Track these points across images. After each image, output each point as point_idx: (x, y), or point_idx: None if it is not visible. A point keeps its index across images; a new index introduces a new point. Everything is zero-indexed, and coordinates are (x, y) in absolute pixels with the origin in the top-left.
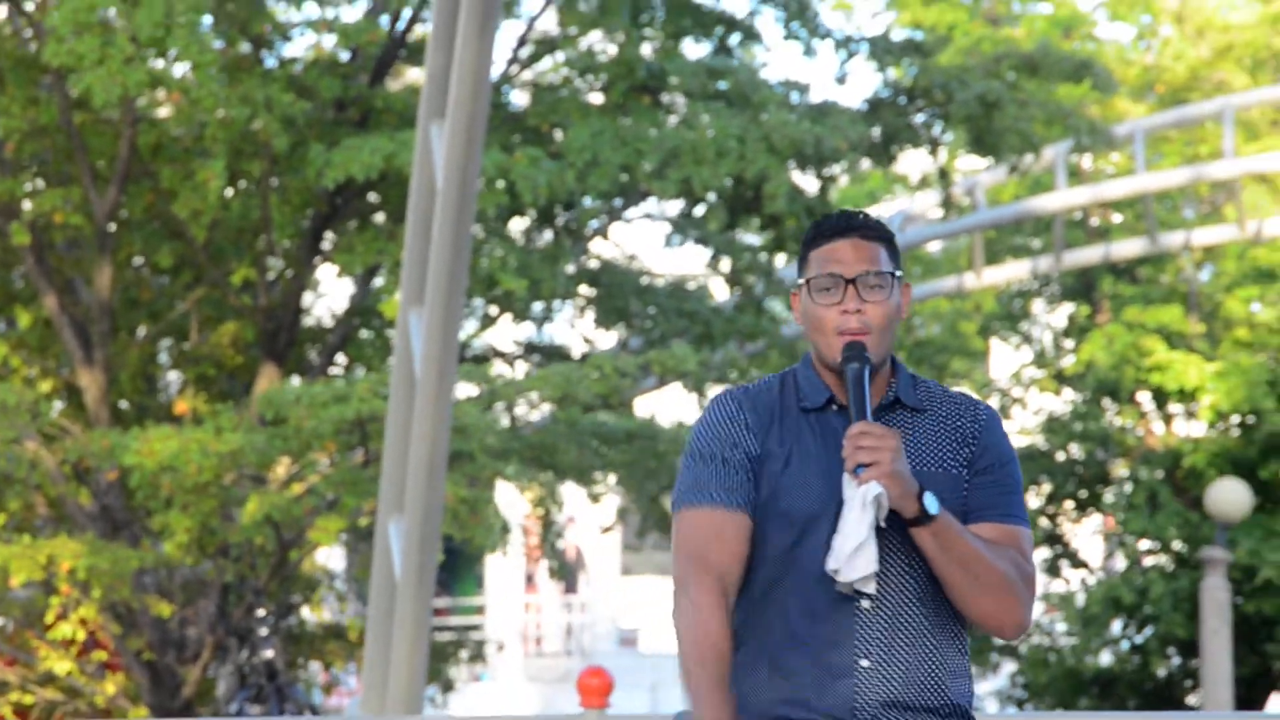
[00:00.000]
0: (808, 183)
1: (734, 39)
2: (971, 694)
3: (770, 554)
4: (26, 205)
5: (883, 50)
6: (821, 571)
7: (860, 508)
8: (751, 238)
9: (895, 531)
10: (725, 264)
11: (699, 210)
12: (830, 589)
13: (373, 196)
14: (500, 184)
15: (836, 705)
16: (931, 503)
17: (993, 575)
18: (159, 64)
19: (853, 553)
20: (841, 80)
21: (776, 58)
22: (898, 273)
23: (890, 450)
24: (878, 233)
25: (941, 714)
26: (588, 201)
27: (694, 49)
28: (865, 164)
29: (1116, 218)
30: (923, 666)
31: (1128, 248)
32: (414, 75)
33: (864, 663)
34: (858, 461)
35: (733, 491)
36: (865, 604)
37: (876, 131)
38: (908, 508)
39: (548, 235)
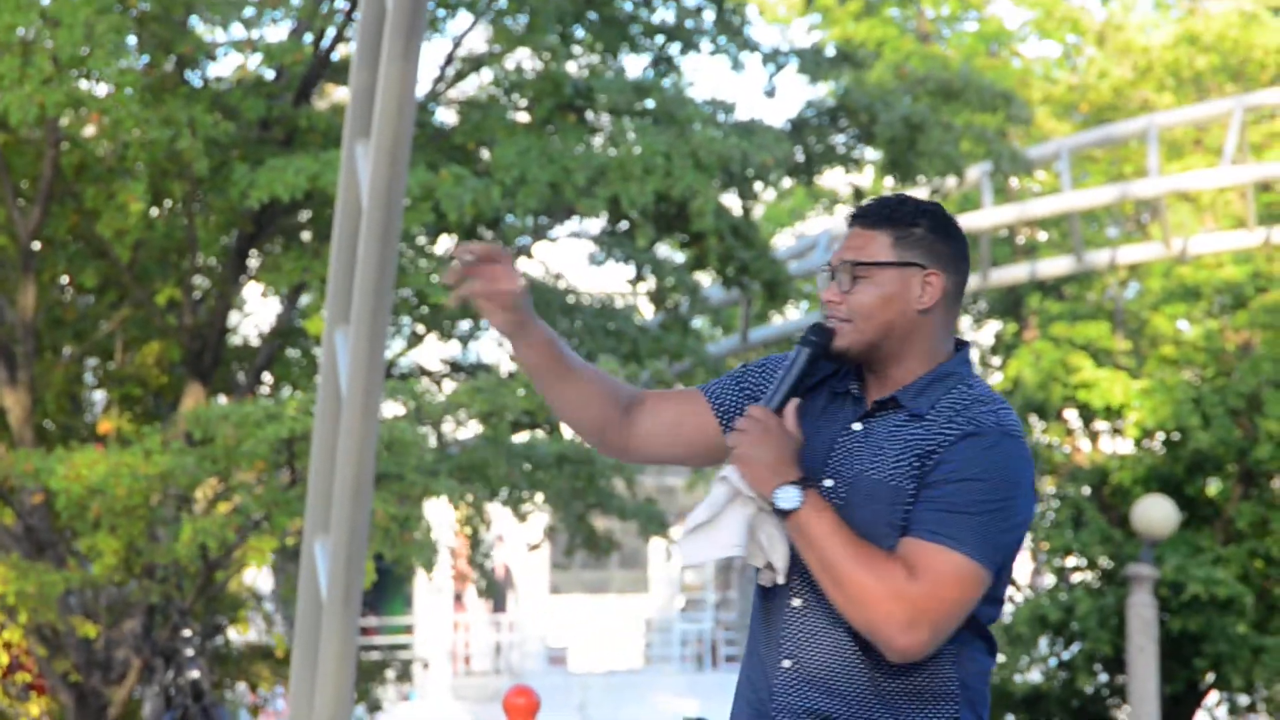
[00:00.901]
0: (732, 201)
1: (674, 48)
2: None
3: None
4: None
5: (813, 63)
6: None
7: (721, 485)
8: (677, 255)
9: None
10: (650, 283)
11: (624, 227)
12: (798, 585)
13: (300, 215)
14: (427, 203)
15: (763, 707)
16: (784, 497)
17: (855, 586)
18: (82, 84)
19: (690, 532)
20: (770, 94)
21: (703, 76)
22: (904, 263)
23: (752, 435)
24: (888, 219)
25: None
26: (513, 220)
27: (629, 61)
28: (788, 182)
29: (1043, 236)
30: (847, 676)
31: (1054, 265)
32: (340, 94)
33: (785, 663)
34: (730, 441)
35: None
36: (796, 602)
37: (799, 151)
38: (762, 492)
39: None
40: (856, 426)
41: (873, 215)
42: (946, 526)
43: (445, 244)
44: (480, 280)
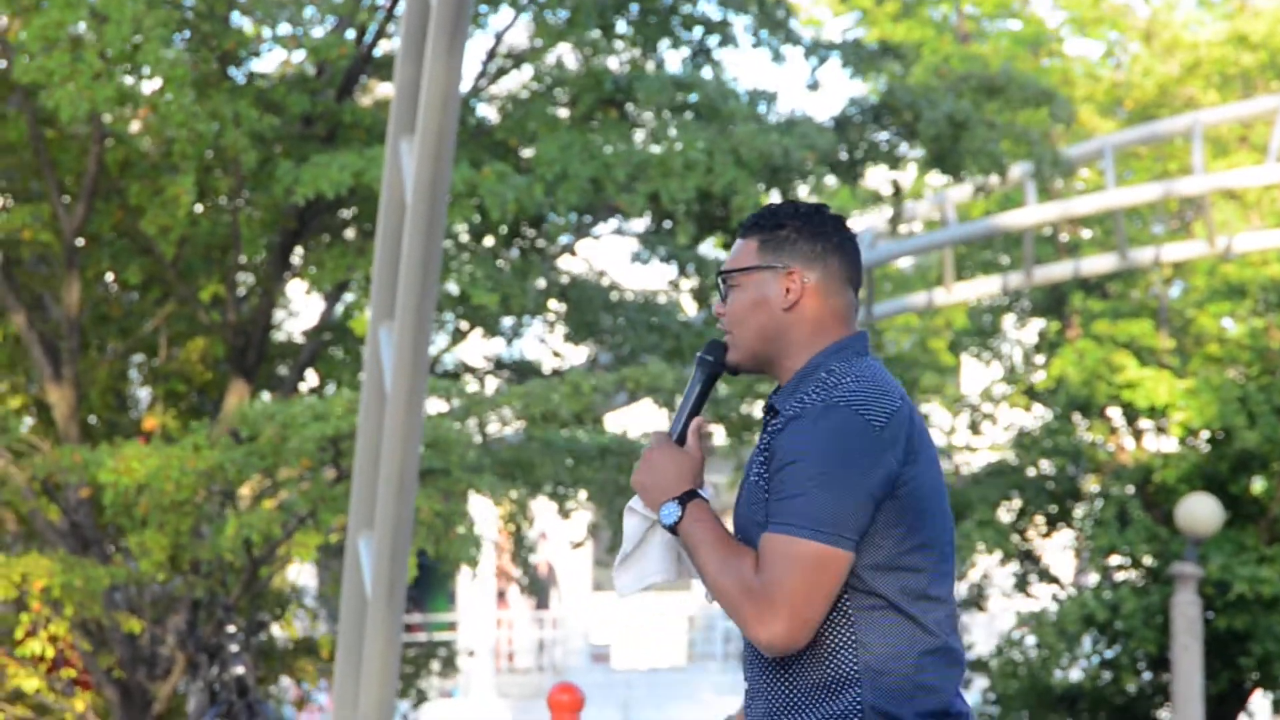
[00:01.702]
0: (774, 198)
1: (712, 40)
2: (843, 709)
3: None
4: None
5: (855, 57)
6: None
7: (628, 519)
8: (720, 254)
9: None
10: (693, 280)
11: (667, 225)
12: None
13: (344, 213)
14: (470, 199)
15: None
16: (665, 513)
17: (717, 592)
18: (129, 80)
19: (619, 566)
20: (814, 87)
21: (746, 68)
22: (763, 266)
23: (643, 463)
24: (755, 226)
25: None
26: (556, 217)
27: (669, 55)
28: (831, 180)
29: (1086, 233)
30: (768, 683)
31: (1098, 263)
32: (383, 90)
33: (746, 685)
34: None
35: None
36: None
37: (843, 150)
38: (653, 513)
39: (516, 251)
40: (759, 437)
41: (745, 224)
42: (780, 514)
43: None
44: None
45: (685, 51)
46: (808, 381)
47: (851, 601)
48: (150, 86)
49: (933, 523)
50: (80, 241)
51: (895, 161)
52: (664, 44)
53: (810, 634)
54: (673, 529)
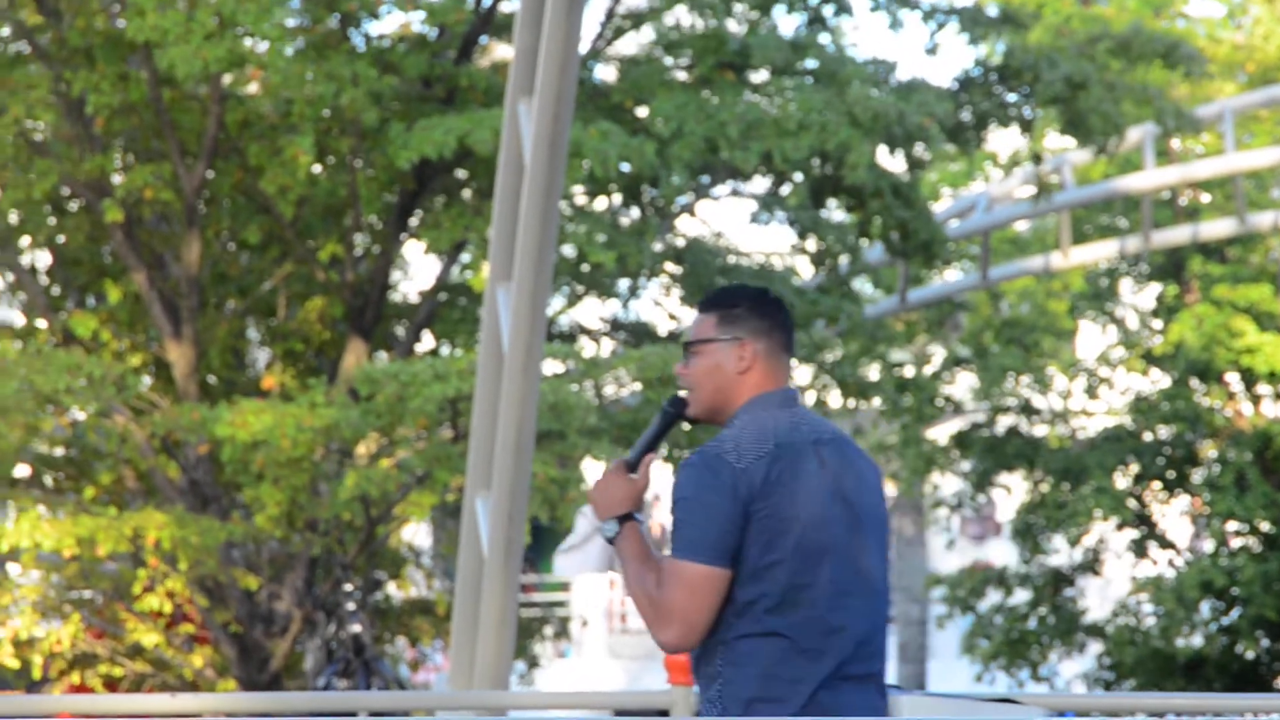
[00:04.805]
0: (896, 164)
1: (828, 9)
2: (711, 697)
3: None
4: (116, 180)
5: (973, 23)
6: None
7: (581, 522)
8: (840, 216)
9: None
10: (810, 243)
11: (784, 190)
12: None
13: (460, 173)
14: (580, 159)
15: None
16: (605, 529)
17: (633, 597)
18: (246, 41)
19: (564, 550)
20: (931, 51)
21: (863, 34)
22: (721, 338)
23: (599, 483)
24: (713, 304)
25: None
26: (671, 178)
27: (785, 21)
28: (949, 146)
29: (1205, 197)
30: (697, 675)
31: (1217, 228)
32: (501, 52)
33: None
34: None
35: None
36: None
37: (966, 112)
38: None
39: (634, 212)
40: None
41: (704, 302)
42: (674, 540)
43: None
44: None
45: (801, 17)
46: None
47: (728, 607)
48: (262, 48)
49: (784, 543)
50: (200, 201)
51: (1023, 124)
52: (780, 9)
53: (699, 637)
54: (610, 540)
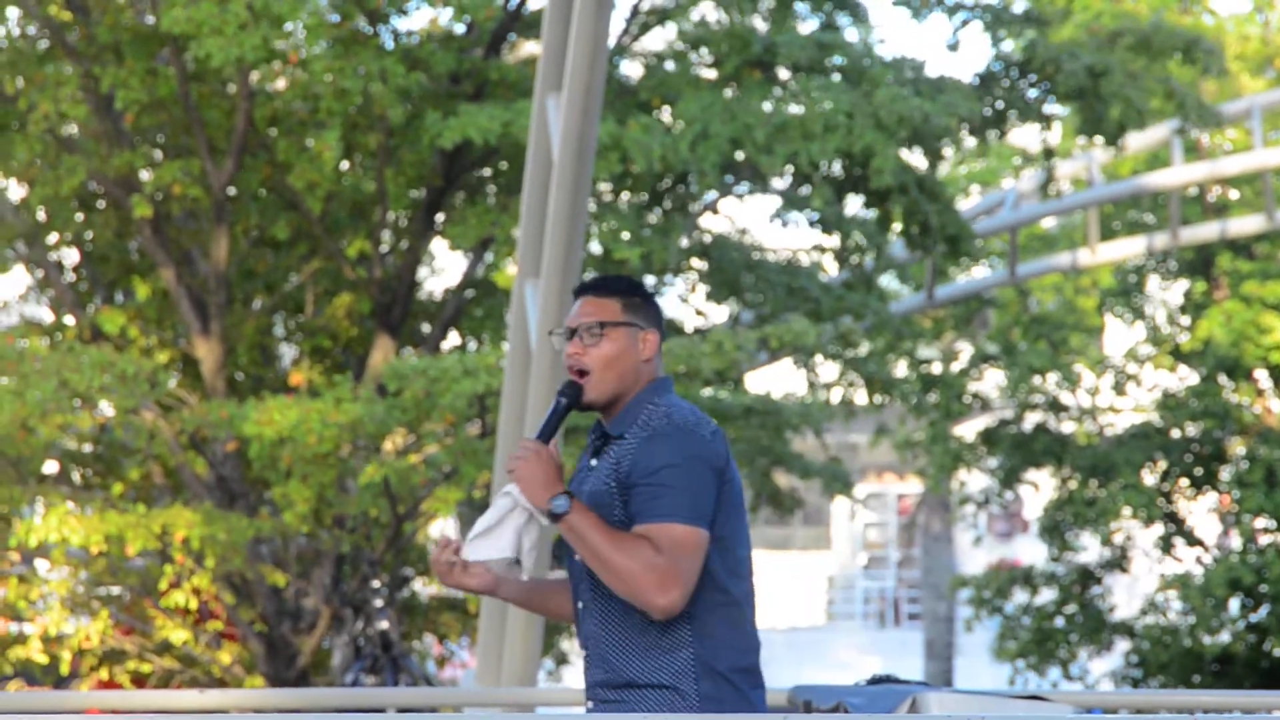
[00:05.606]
0: (918, 160)
1: (842, 20)
2: (678, 667)
3: None
4: (145, 176)
5: (996, 21)
6: (572, 576)
7: (503, 499)
8: (863, 213)
9: None
10: (834, 239)
11: (806, 190)
12: (580, 590)
13: (486, 170)
14: (615, 153)
15: (588, 689)
16: (557, 504)
17: (619, 566)
18: (274, 32)
19: (480, 534)
20: (954, 48)
21: (887, 29)
22: (631, 324)
23: (527, 459)
24: (615, 290)
25: (634, 686)
26: (697, 176)
27: (802, 26)
28: (971, 142)
29: (1234, 194)
30: (611, 649)
31: (1245, 224)
32: (529, 48)
33: (584, 652)
34: (507, 466)
35: None
36: (580, 604)
37: (987, 108)
38: (538, 505)
39: (659, 210)
40: (593, 462)
41: (603, 287)
42: (659, 508)
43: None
44: (452, 576)
45: (824, 12)
46: (634, 411)
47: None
48: (295, 42)
49: (737, 515)
50: (229, 196)
51: (1042, 119)
52: (801, 8)
53: (688, 599)
54: (558, 517)
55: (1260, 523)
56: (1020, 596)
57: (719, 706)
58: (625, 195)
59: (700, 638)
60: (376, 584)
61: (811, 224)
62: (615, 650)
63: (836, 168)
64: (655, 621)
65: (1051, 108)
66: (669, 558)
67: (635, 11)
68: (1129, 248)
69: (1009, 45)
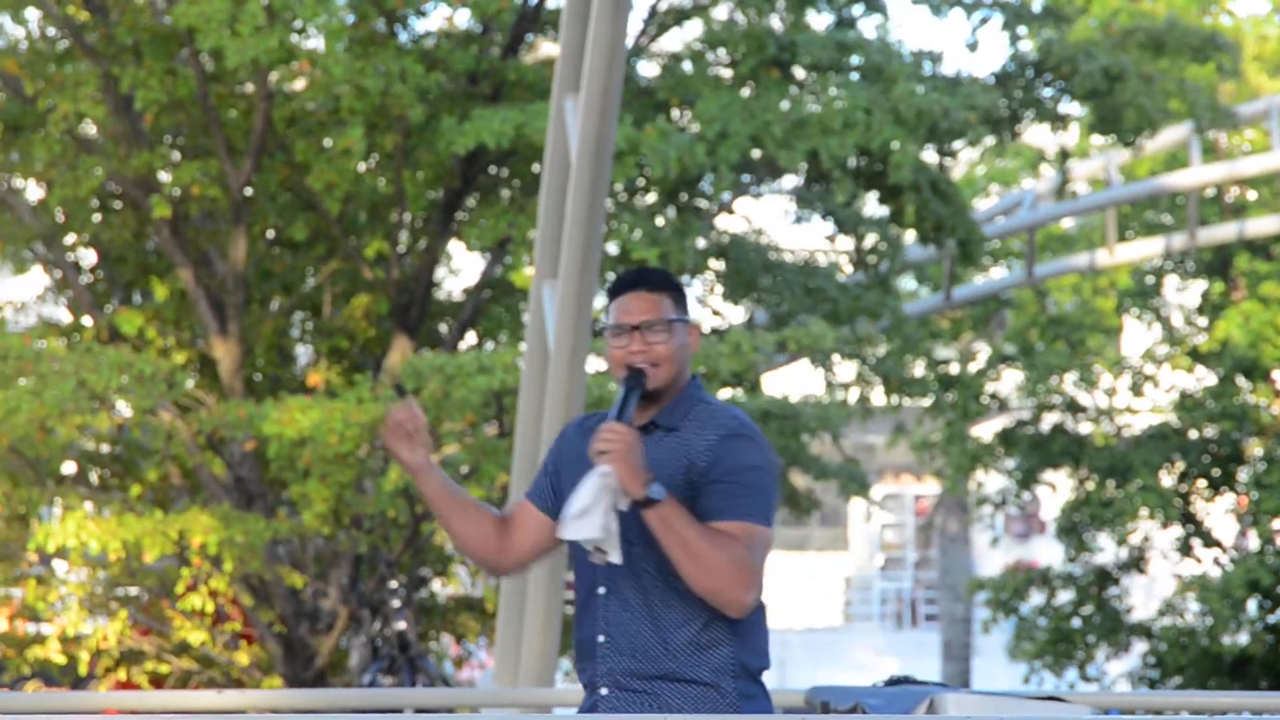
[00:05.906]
0: (930, 156)
1: (857, 10)
2: (717, 664)
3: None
4: (163, 177)
5: (1015, 18)
6: (581, 561)
7: (595, 480)
8: (880, 211)
9: (630, 527)
10: (850, 242)
11: (822, 188)
12: (588, 577)
13: (503, 170)
14: (633, 157)
15: (590, 675)
16: (657, 490)
17: (710, 559)
18: (292, 37)
19: (577, 514)
20: (973, 47)
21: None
22: (684, 319)
23: (623, 442)
24: (664, 285)
25: (671, 679)
26: (715, 177)
27: (817, 20)
28: (990, 140)
29: (1252, 194)
30: (643, 641)
31: (1263, 225)
32: (547, 49)
33: (600, 638)
34: (597, 449)
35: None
36: (601, 590)
37: (1003, 106)
38: (634, 491)
39: (675, 210)
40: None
41: (655, 283)
42: (745, 508)
43: (644, 200)
44: (395, 437)
45: (841, 10)
46: (686, 405)
47: None
48: (312, 44)
49: None
50: (247, 197)
51: (1056, 119)
52: (812, 12)
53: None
54: (651, 503)
55: (1278, 524)
56: (1037, 597)
57: (753, 705)
58: (649, 196)
59: (737, 637)
60: (394, 584)
61: (823, 217)
62: (654, 642)
63: (854, 163)
64: (696, 617)
65: (1067, 107)
66: (755, 556)
67: (653, 12)
68: (1147, 248)
69: (1026, 45)
